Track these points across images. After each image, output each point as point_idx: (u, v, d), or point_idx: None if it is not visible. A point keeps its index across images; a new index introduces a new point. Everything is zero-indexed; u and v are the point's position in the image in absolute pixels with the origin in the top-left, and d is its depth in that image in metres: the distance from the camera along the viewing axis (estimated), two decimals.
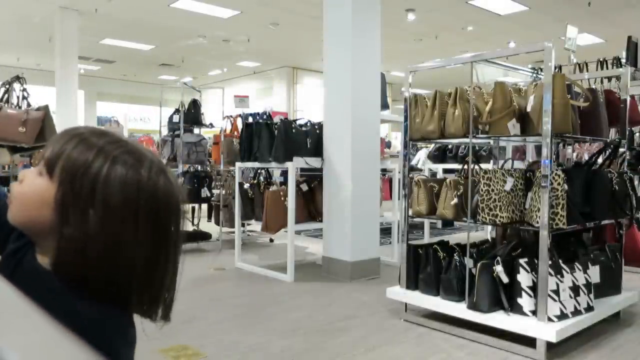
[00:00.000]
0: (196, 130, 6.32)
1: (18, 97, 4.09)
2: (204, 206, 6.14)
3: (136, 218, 0.74)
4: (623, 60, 4.53)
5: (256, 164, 4.75)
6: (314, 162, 4.53)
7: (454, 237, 5.61)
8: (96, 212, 0.72)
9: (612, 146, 3.27)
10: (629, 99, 3.49)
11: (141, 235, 0.74)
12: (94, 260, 0.73)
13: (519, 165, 3.97)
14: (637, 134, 5.17)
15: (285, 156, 4.38)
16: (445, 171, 6.65)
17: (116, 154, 0.75)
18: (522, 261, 2.79)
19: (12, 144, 3.74)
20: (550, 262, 2.67)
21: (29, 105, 4.03)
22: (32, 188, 0.76)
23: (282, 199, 4.50)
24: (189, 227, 6.01)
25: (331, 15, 4.64)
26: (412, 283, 3.26)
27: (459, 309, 2.95)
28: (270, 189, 4.75)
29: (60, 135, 0.78)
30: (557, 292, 2.70)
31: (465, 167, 3.20)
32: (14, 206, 0.77)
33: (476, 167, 3.17)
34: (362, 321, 3.28)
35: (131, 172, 0.75)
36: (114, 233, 0.73)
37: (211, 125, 6.72)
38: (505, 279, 2.81)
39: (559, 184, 2.70)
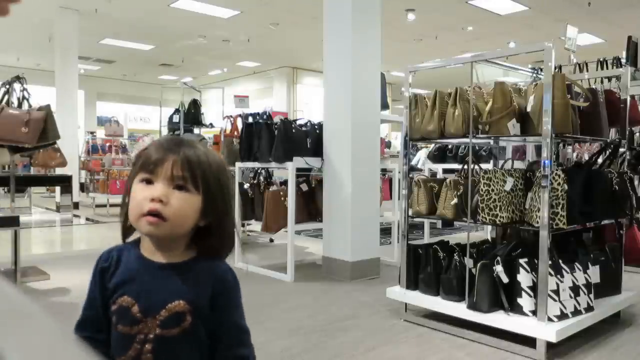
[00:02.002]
0: (196, 130, 6.33)
1: (19, 98, 4.09)
2: None
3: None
4: (623, 60, 4.53)
5: (256, 164, 4.75)
6: (314, 162, 4.53)
7: (454, 237, 5.61)
8: (224, 198, 1.04)
9: (612, 146, 3.27)
10: (629, 99, 3.49)
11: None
12: (227, 231, 1.06)
13: (519, 165, 3.97)
14: (637, 134, 5.17)
15: (285, 156, 4.38)
16: (445, 171, 6.64)
17: (218, 159, 1.07)
18: (522, 261, 2.79)
19: (14, 144, 3.74)
20: (550, 262, 2.67)
21: (29, 105, 4.03)
22: (190, 205, 0.99)
23: (282, 199, 4.50)
24: None
25: (331, 15, 4.64)
26: (412, 283, 3.26)
27: (459, 309, 2.95)
28: (270, 189, 4.75)
29: (190, 158, 0.99)
30: (557, 292, 2.70)
31: (465, 167, 3.20)
32: (174, 223, 0.97)
33: (476, 167, 3.17)
34: (362, 321, 3.28)
35: (221, 161, 1.07)
36: (231, 206, 1.06)
37: (211, 125, 6.73)
38: (505, 279, 2.81)
39: (559, 184, 2.70)
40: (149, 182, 0.98)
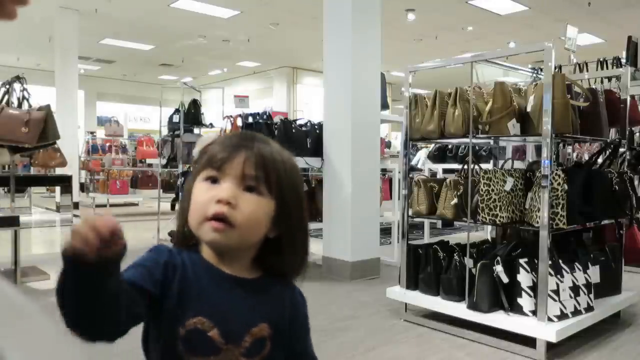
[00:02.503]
0: (196, 130, 6.33)
1: (19, 98, 4.09)
2: None
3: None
4: (623, 60, 4.53)
5: None
6: (313, 162, 4.53)
7: (454, 237, 5.61)
8: (299, 205, 0.89)
9: (612, 146, 3.27)
10: (629, 99, 3.49)
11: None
12: (300, 248, 0.90)
13: (519, 165, 3.96)
14: (637, 134, 5.17)
15: None
16: (445, 171, 6.64)
17: (292, 159, 0.91)
18: (522, 261, 2.79)
19: (14, 144, 3.74)
20: (550, 262, 2.67)
21: (29, 105, 4.03)
22: (263, 210, 0.84)
23: None
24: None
25: (331, 15, 4.64)
26: (412, 283, 3.26)
27: (459, 309, 2.95)
28: None
29: (265, 155, 0.85)
30: (557, 292, 2.70)
31: (465, 167, 3.20)
32: (243, 231, 0.82)
33: (476, 167, 3.17)
34: (362, 321, 3.28)
35: (294, 161, 0.92)
36: (305, 217, 0.91)
37: (211, 125, 6.72)
38: (505, 279, 2.81)
39: (559, 184, 2.70)
40: (214, 180, 0.83)
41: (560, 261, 2.79)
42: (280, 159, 0.87)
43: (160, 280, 0.79)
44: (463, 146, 6.41)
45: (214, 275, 0.84)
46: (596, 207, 2.95)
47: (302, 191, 0.92)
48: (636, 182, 4.00)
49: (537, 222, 2.70)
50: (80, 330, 0.68)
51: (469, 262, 2.96)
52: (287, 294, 0.92)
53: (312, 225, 4.79)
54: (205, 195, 0.82)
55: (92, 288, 0.67)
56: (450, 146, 6.63)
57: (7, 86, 4.08)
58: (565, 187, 2.71)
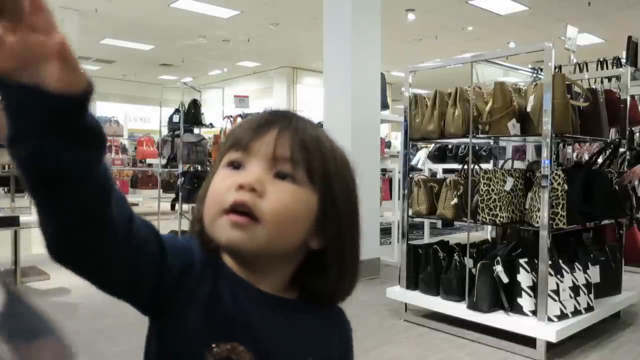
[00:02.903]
0: (196, 130, 6.33)
1: None
2: None
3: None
4: (623, 60, 4.54)
5: None
6: None
7: (454, 237, 5.61)
8: (351, 207, 0.68)
9: (612, 146, 3.27)
10: (629, 99, 3.49)
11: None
12: (350, 264, 0.68)
13: (519, 165, 3.97)
14: (637, 134, 5.17)
15: None
16: (445, 171, 6.64)
17: (343, 150, 0.70)
18: (522, 261, 2.79)
19: None
20: (550, 262, 2.67)
21: None
22: (299, 202, 0.62)
23: None
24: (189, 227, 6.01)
25: (331, 15, 4.64)
26: (412, 283, 3.26)
27: (459, 309, 2.95)
28: None
29: (306, 132, 0.64)
30: (557, 292, 2.70)
31: (465, 167, 3.20)
32: (272, 228, 0.60)
33: (476, 167, 3.17)
34: (362, 321, 3.27)
35: (346, 153, 0.70)
36: (359, 226, 0.70)
37: (211, 125, 6.73)
38: (505, 279, 2.81)
39: (559, 184, 2.70)
40: (238, 166, 0.63)
41: (560, 261, 2.79)
42: (329, 146, 0.67)
43: (163, 268, 0.58)
44: (463, 146, 6.41)
45: (248, 291, 0.63)
46: (596, 207, 2.95)
47: (356, 190, 0.69)
48: (636, 182, 4.00)
49: (537, 222, 2.70)
50: (58, 245, 0.53)
51: (469, 262, 2.96)
52: (336, 321, 0.72)
53: None
54: (224, 184, 0.62)
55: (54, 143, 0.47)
56: (450, 146, 6.63)
57: None
58: (565, 187, 2.71)
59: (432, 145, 6.81)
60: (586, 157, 4.47)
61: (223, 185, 0.62)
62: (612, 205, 3.09)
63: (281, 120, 0.64)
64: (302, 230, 0.63)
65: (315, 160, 0.63)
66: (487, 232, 4.99)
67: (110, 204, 0.52)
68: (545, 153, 2.66)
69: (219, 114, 6.61)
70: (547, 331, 2.61)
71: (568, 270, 2.80)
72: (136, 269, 0.56)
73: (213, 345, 0.59)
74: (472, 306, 2.87)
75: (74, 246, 0.53)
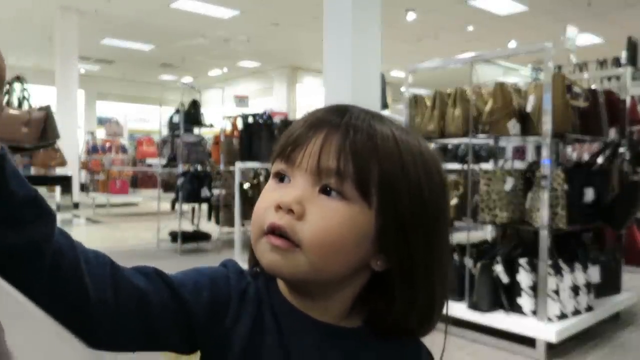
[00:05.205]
0: (196, 131, 6.33)
1: (19, 98, 4.10)
2: (204, 206, 6.15)
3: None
4: (623, 61, 4.54)
5: (256, 164, 4.75)
6: None
7: (454, 237, 5.61)
8: (428, 224, 0.55)
9: (612, 146, 3.27)
10: (629, 99, 3.49)
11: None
12: (425, 286, 0.56)
13: (519, 165, 3.97)
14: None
15: None
16: (445, 171, 6.63)
17: (424, 146, 0.58)
18: (522, 261, 2.79)
19: (14, 145, 3.74)
20: (550, 262, 2.67)
21: (30, 105, 4.04)
22: (346, 222, 0.52)
23: None
24: (188, 227, 6.01)
25: (331, 15, 4.64)
26: None
27: (459, 309, 2.95)
28: None
29: (360, 134, 0.54)
30: (557, 292, 2.70)
31: (465, 167, 3.20)
32: (313, 254, 0.51)
33: (476, 167, 3.17)
34: None
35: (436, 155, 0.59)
36: (442, 249, 0.57)
37: (211, 126, 6.73)
38: (505, 279, 2.82)
39: (559, 184, 2.70)
40: (283, 178, 0.56)
41: (560, 261, 2.79)
42: (396, 143, 0.55)
43: (208, 307, 0.54)
44: (463, 146, 6.41)
45: (297, 321, 0.56)
46: (596, 208, 2.95)
47: (437, 197, 0.56)
48: None
49: (537, 222, 2.70)
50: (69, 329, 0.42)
51: (469, 262, 2.96)
52: (407, 356, 0.63)
53: None
54: (266, 200, 0.55)
55: None
56: (450, 146, 6.63)
57: (7, 86, 4.08)
58: (565, 187, 2.71)
59: (432, 145, 6.81)
60: (586, 157, 4.48)
61: (264, 202, 0.55)
62: (609, 213, 3.04)
63: (333, 119, 0.56)
64: (356, 253, 0.53)
65: (369, 168, 0.52)
66: (487, 232, 4.99)
67: (82, 273, 0.47)
68: (545, 153, 2.66)
69: (219, 114, 6.61)
70: (547, 331, 2.61)
71: (568, 270, 2.80)
72: (145, 326, 0.51)
73: None
74: (472, 306, 2.87)
75: (72, 325, 0.40)
